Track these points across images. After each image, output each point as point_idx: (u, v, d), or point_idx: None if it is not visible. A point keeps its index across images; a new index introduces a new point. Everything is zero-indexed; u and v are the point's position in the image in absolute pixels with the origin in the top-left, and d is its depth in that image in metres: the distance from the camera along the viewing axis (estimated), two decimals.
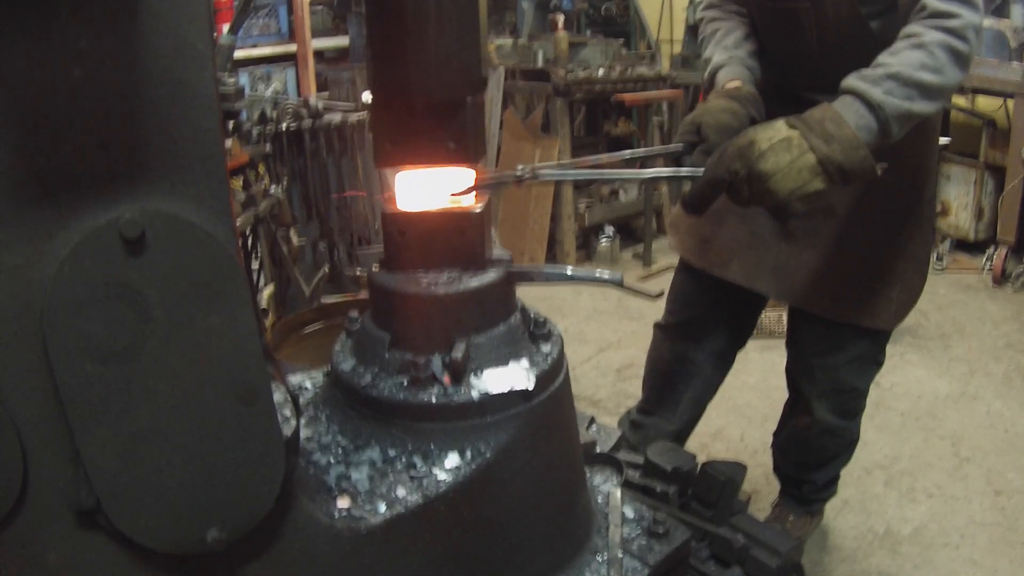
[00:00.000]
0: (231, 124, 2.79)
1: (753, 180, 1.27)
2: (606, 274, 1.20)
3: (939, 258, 4.47)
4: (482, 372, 1.09)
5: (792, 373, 2.03)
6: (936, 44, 1.34)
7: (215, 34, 2.98)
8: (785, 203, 1.28)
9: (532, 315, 1.21)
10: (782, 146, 1.26)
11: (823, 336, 1.87)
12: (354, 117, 3.55)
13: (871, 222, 1.75)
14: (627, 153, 1.50)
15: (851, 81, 1.37)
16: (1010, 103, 4.10)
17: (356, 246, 3.65)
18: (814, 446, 2.03)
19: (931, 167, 1.80)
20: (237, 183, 2.82)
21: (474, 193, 1.15)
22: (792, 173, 1.25)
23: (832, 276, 1.79)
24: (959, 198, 4.56)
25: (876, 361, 1.94)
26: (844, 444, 2.06)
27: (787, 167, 1.25)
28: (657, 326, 2.18)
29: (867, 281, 1.78)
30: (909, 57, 1.35)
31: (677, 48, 5.82)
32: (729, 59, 1.68)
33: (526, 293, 1.26)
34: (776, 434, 2.19)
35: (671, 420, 2.17)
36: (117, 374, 0.79)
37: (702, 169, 1.34)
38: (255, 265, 3.01)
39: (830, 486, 2.22)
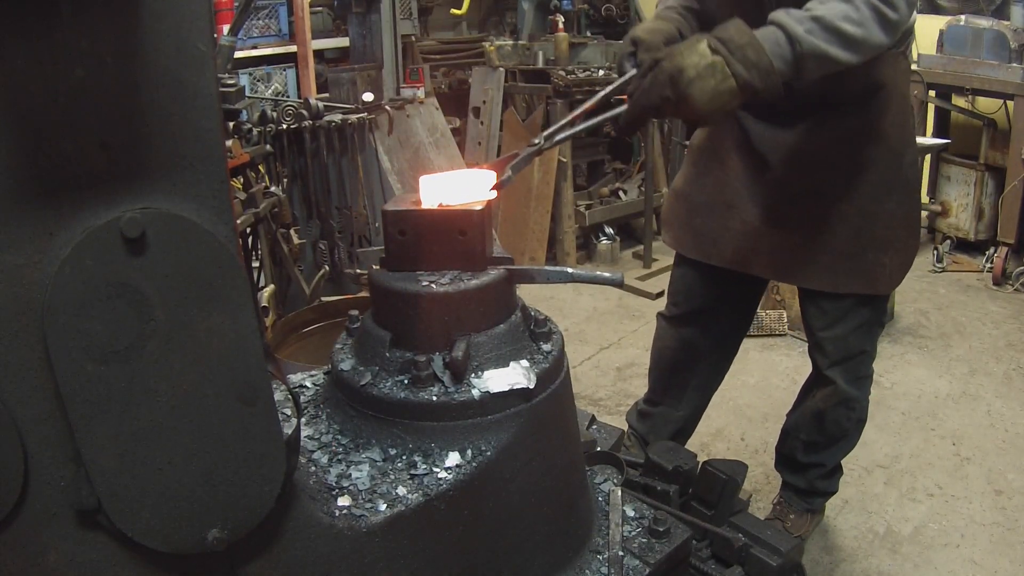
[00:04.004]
0: (231, 124, 2.79)
1: (680, 103, 1.41)
2: (606, 274, 1.20)
3: (939, 258, 4.47)
4: (483, 371, 1.09)
5: (809, 350, 2.09)
6: (863, 2, 1.44)
7: (216, 35, 2.99)
8: (703, 119, 1.45)
9: (533, 314, 1.21)
10: (708, 72, 1.37)
11: (826, 310, 1.93)
12: (354, 117, 3.56)
13: (857, 195, 1.81)
14: (599, 95, 1.59)
15: (777, 14, 1.46)
16: (1010, 104, 4.10)
17: (358, 245, 3.66)
18: (829, 420, 2.06)
19: (908, 133, 1.85)
20: (237, 183, 2.82)
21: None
22: (716, 96, 1.39)
23: (826, 251, 1.85)
24: (959, 198, 4.55)
25: (879, 322, 2.01)
26: (855, 420, 2.10)
27: (712, 91, 1.38)
28: (661, 316, 2.22)
29: (860, 251, 1.84)
30: (835, 7, 1.44)
31: None
32: (664, 10, 1.82)
33: (527, 293, 1.27)
34: (790, 413, 2.20)
35: (678, 407, 2.22)
36: (118, 374, 0.80)
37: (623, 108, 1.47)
38: (255, 264, 3.01)
39: (834, 475, 2.23)
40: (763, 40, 1.41)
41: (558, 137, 1.43)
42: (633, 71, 1.61)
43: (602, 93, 1.60)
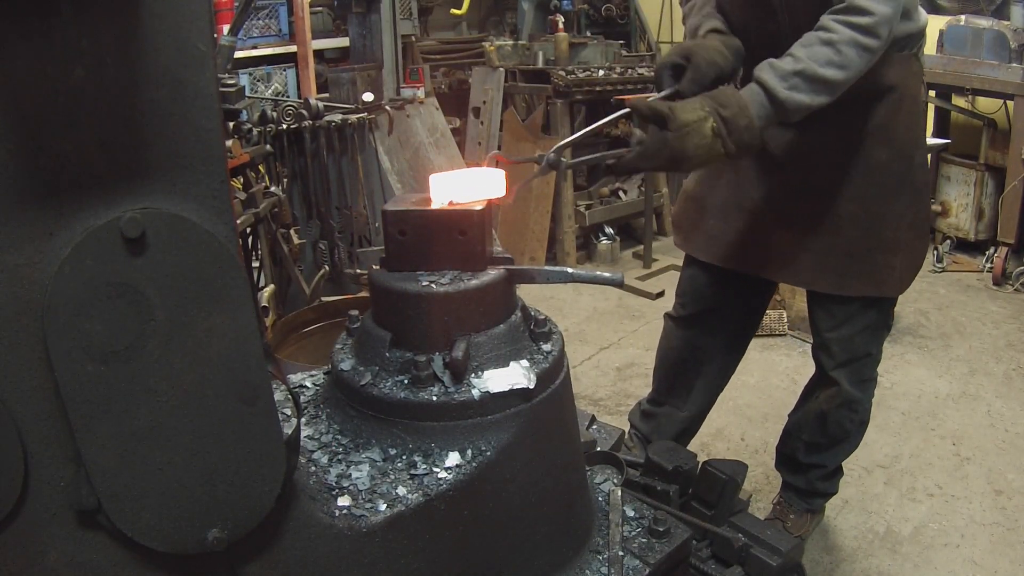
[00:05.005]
0: (231, 124, 2.79)
1: (675, 168, 1.51)
2: (606, 274, 1.20)
3: (939, 258, 4.47)
4: (483, 371, 1.09)
5: (814, 350, 2.09)
6: (845, 42, 1.46)
7: (216, 35, 2.99)
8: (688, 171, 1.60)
9: (533, 314, 1.21)
10: (704, 148, 1.48)
11: (834, 312, 1.93)
12: (354, 117, 3.56)
13: (867, 197, 1.81)
14: (620, 113, 1.62)
15: (762, 72, 1.51)
16: (1010, 104, 4.10)
17: (358, 245, 3.66)
18: (831, 421, 2.06)
19: (918, 135, 1.86)
20: (237, 183, 2.82)
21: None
22: (706, 160, 1.51)
23: (835, 253, 1.85)
24: (959, 198, 4.55)
25: (886, 325, 2.01)
26: (857, 422, 2.10)
27: (704, 157, 1.49)
28: (668, 316, 2.22)
29: (869, 253, 1.84)
30: (818, 53, 1.48)
31: None
32: (707, 16, 1.82)
33: (527, 293, 1.27)
34: (792, 414, 2.20)
35: (683, 408, 2.22)
36: (118, 373, 0.80)
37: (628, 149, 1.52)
38: (255, 264, 3.01)
39: (835, 476, 2.23)
40: (750, 102, 1.49)
41: (574, 160, 1.55)
42: (672, 88, 1.62)
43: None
